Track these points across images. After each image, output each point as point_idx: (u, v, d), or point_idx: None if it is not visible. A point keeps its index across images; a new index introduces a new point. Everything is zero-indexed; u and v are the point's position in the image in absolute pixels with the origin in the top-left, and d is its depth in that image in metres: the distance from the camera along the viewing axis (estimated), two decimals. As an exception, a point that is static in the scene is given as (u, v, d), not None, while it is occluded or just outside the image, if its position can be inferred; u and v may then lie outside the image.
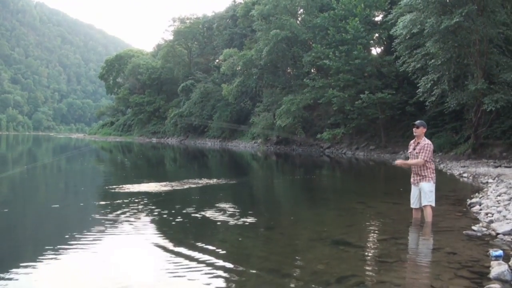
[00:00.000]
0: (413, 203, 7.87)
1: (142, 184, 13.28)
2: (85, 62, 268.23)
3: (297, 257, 5.81)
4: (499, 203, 9.15)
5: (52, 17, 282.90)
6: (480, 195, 10.92)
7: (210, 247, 6.20)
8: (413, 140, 7.93)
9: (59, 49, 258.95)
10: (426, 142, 7.67)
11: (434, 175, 7.72)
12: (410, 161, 7.84)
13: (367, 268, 5.34)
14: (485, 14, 20.83)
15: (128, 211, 8.62)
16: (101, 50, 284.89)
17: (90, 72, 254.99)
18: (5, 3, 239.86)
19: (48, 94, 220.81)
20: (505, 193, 10.46)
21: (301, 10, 44.29)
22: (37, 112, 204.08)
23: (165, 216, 8.81)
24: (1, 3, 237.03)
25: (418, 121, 7.89)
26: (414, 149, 7.78)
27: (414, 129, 7.78)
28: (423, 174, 7.66)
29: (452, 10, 20.58)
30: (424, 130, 7.78)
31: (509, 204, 8.96)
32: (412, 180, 7.87)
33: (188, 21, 75.45)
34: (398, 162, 8.09)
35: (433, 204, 7.62)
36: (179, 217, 8.78)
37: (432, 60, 22.76)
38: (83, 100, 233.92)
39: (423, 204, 7.64)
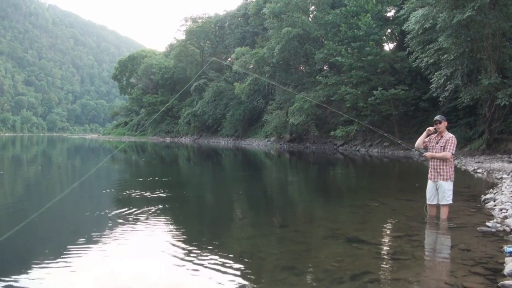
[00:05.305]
0: (429, 199, 7.72)
1: (156, 183, 13.39)
2: (98, 63, 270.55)
3: (310, 255, 5.84)
4: (514, 199, 9.10)
5: (65, 19, 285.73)
6: (495, 191, 10.87)
7: (224, 245, 6.29)
8: (435, 134, 7.71)
9: (72, 51, 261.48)
10: (450, 135, 7.51)
11: (454, 173, 7.54)
12: (438, 154, 7.49)
13: (381, 265, 5.36)
14: (497, 7, 20.69)
15: (143, 210, 8.68)
16: (114, 51, 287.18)
17: (103, 73, 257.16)
18: (17, 6, 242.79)
19: (61, 95, 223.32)
20: (520, 188, 10.40)
21: (313, 7, 44.28)
22: (51, 113, 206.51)
23: (179, 213, 8.92)
24: (14, 6, 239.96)
25: (439, 116, 7.66)
26: (437, 142, 7.56)
27: (437, 125, 7.54)
28: (442, 171, 7.48)
29: (464, 4, 20.44)
30: (446, 123, 7.62)
31: (524, 199, 8.91)
32: (429, 175, 7.70)
33: (200, 21, 75.71)
34: (428, 154, 7.65)
35: (451, 202, 7.54)
36: (193, 215, 8.89)
37: (445, 55, 22.64)
38: (96, 100, 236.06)
39: (441, 203, 7.54)
